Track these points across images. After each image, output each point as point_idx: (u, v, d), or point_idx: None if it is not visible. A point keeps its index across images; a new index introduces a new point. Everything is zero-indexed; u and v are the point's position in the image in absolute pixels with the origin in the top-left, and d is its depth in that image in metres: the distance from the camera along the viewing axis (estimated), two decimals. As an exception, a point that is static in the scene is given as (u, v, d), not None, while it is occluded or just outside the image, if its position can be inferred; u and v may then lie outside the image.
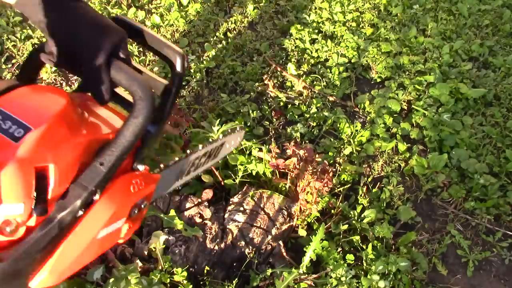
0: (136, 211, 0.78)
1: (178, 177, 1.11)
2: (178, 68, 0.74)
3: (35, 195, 0.57)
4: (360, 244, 1.62)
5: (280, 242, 1.58)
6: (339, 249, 1.61)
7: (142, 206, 0.79)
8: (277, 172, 1.74)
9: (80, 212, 0.64)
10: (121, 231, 0.77)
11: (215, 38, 2.56)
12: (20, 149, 0.55)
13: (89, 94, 0.70)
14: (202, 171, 1.27)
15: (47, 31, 0.63)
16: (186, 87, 2.29)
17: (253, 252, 1.53)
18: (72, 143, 0.62)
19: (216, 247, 1.52)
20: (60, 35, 0.63)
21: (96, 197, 0.65)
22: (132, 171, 0.74)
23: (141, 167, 0.75)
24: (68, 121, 0.62)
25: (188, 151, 1.11)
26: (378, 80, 2.39)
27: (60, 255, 0.64)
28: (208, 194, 1.65)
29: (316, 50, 2.48)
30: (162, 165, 0.99)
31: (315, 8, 2.77)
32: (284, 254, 1.55)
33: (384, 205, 1.79)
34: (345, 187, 1.80)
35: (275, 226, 1.60)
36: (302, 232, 1.63)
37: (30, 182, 0.56)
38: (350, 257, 1.57)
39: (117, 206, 0.71)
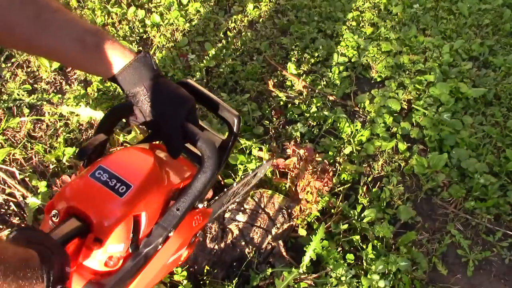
0: (193, 239, 0.96)
1: (223, 206, 1.34)
2: (235, 126, 0.89)
3: (131, 237, 0.73)
4: (360, 244, 1.62)
5: (280, 242, 1.58)
6: (339, 248, 1.61)
7: (197, 234, 0.98)
8: (277, 171, 1.74)
9: (160, 246, 0.79)
10: (182, 256, 0.95)
11: (215, 37, 2.55)
12: (124, 203, 0.70)
13: (162, 144, 0.86)
14: (240, 197, 1.51)
15: (136, 99, 0.77)
16: (186, 86, 2.28)
17: (253, 251, 1.53)
18: (157, 194, 0.79)
19: (216, 247, 1.52)
20: (146, 103, 0.77)
21: (171, 234, 0.81)
22: (194, 209, 0.88)
23: (200, 205, 0.90)
24: (155, 176, 0.78)
25: (230, 185, 1.34)
26: (378, 79, 2.38)
27: (141, 278, 0.80)
28: (208, 193, 1.65)
29: (316, 49, 2.48)
30: (212, 201, 1.20)
31: (315, 7, 2.77)
32: (284, 253, 1.55)
33: (384, 204, 1.79)
34: (345, 186, 1.80)
35: (275, 226, 1.60)
36: (302, 232, 1.63)
37: (129, 228, 0.72)
38: (350, 256, 1.57)
39: (183, 239, 0.88)
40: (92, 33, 0.71)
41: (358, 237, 1.62)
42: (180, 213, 0.78)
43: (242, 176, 1.42)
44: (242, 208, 1.62)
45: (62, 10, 0.70)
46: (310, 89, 2.24)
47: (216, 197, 1.22)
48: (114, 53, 0.73)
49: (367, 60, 2.44)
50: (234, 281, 1.46)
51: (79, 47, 0.70)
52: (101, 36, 0.72)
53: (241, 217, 1.59)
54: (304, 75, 2.35)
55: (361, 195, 1.80)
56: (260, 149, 1.84)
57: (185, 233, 0.88)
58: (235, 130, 0.88)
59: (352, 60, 2.45)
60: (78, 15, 0.69)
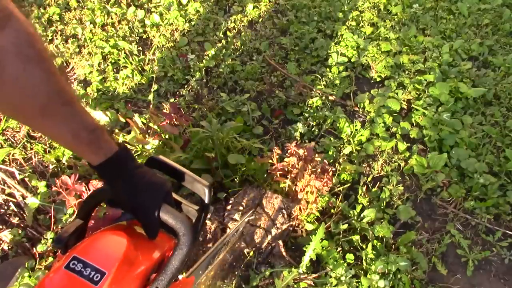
0: None
1: (206, 269, 1.36)
2: (206, 198, 0.93)
3: None
4: (360, 244, 1.62)
5: (280, 242, 1.58)
6: (339, 248, 1.61)
7: None
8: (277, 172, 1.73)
9: None
10: None
11: (214, 37, 2.55)
12: None
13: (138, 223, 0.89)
14: (222, 256, 1.53)
15: (115, 189, 0.84)
16: (186, 86, 2.28)
17: (253, 251, 1.53)
18: (134, 275, 0.80)
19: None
20: (125, 193, 0.83)
21: None
22: (174, 281, 0.89)
23: (180, 276, 0.92)
24: (130, 258, 0.79)
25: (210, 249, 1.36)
26: (378, 79, 2.38)
27: None
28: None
29: (316, 49, 2.48)
30: (193, 267, 1.23)
31: (315, 7, 2.77)
32: (284, 253, 1.55)
33: (384, 204, 1.79)
34: (345, 186, 1.80)
35: (275, 226, 1.60)
36: (308, 227, 1.63)
37: None
38: (350, 256, 1.57)
39: None
40: (88, 131, 0.77)
41: (357, 237, 1.62)
42: None
43: (222, 238, 1.48)
44: (242, 208, 1.62)
45: (69, 103, 0.74)
46: (309, 89, 2.24)
47: (197, 265, 1.26)
48: (101, 149, 0.81)
49: (366, 60, 2.44)
50: (234, 281, 1.46)
51: (73, 140, 0.77)
52: (96, 134, 0.79)
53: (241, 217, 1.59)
54: (304, 75, 2.35)
55: (360, 195, 1.80)
56: (261, 150, 1.83)
57: None
58: (206, 201, 0.93)
59: (352, 60, 2.45)
60: (83, 107, 0.76)
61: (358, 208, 1.73)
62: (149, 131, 1.78)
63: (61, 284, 0.73)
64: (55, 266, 0.78)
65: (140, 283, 0.82)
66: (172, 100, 2.20)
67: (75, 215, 0.88)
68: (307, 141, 2.02)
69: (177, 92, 2.26)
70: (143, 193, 0.84)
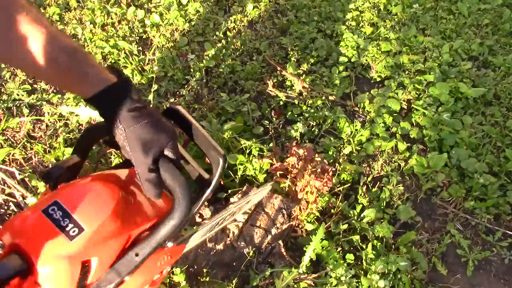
0: (158, 276, 0.88)
1: (204, 235, 1.26)
2: (219, 169, 0.79)
3: (77, 282, 0.65)
4: (360, 244, 1.62)
5: (280, 242, 1.58)
6: (339, 248, 1.61)
7: (164, 271, 0.89)
8: (277, 172, 1.73)
9: None
10: None
11: (214, 37, 2.55)
12: (73, 247, 0.63)
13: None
14: (224, 226, 1.41)
15: (113, 127, 0.71)
16: (186, 86, 2.28)
17: (253, 251, 1.53)
18: (116, 237, 0.70)
19: (216, 247, 1.52)
20: (121, 136, 0.71)
21: (126, 278, 0.72)
22: (162, 248, 0.79)
23: (170, 244, 0.83)
24: (115, 218, 0.69)
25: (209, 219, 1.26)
26: (378, 79, 2.38)
27: None
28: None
29: (316, 49, 2.48)
30: (185, 236, 1.10)
31: (315, 7, 2.77)
32: (284, 253, 1.55)
33: (384, 204, 1.79)
34: (345, 186, 1.80)
35: (275, 226, 1.60)
36: (308, 227, 1.63)
37: (75, 275, 0.64)
38: (350, 256, 1.57)
39: (143, 280, 0.80)
40: (67, 53, 0.65)
41: (358, 237, 1.62)
42: (139, 259, 0.72)
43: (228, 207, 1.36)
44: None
45: (39, 22, 0.62)
46: (310, 89, 2.24)
47: (189, 234, 1.12)
48: (88, 76, 0.67)
49: (366, 60, 2.44)
50: (234, 281, 1.46)
51: (51, 67, 0.64)
52: (76, 56, 0.66)
53: (241, 217, 1.59)
54: (304, 75, 2.35)
55: (360, 195, 1.80)
56: (261, 150, 1.83)
57: (146, 275, 0.80)
58: (218, 172, 0.79)
59: (352, 60, 2.45)
60: (58, 28, 0.61)
61: (358, 208, 1.73)
62: (149, 131, 1.77)
63: (32, 229, 0.64)
64: (35, 204, 0.68)
65: (122, 246, 0.73)
66: (172, 100, 2.20)
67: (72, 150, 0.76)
68: (307, 141, 2.02)
69: (177, 92, 2.26)
70: (141, 139, 0.70)
